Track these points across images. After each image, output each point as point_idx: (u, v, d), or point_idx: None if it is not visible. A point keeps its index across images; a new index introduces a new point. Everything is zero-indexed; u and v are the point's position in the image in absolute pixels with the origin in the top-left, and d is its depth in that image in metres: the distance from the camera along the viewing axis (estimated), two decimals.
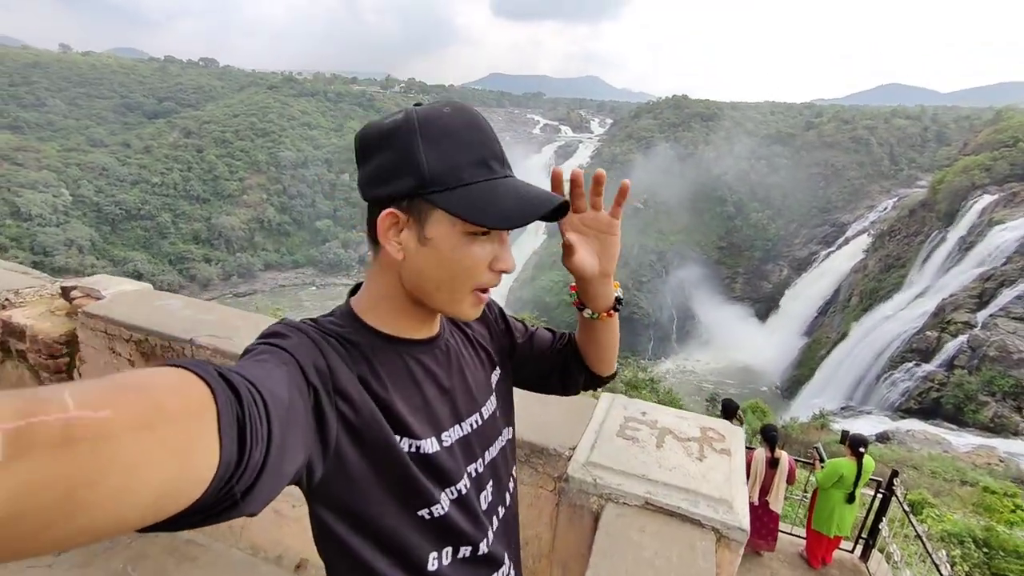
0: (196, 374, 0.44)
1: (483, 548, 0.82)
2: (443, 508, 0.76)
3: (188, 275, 49.09)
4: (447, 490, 0.78)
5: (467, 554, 0.80)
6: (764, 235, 51.23)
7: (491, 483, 0.88)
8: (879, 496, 4.33)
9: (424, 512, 0.75)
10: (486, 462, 0.86)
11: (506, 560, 0.89)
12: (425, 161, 0.68)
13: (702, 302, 48.00)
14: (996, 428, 23.18)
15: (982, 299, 26.83)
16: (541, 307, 41.36)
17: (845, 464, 4.35)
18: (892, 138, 52.67)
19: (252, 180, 60.64)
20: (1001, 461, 20.06)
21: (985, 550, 5.91)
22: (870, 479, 4.39)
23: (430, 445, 0.76)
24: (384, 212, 0.71)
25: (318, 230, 60.04)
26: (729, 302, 49.10)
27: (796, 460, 4.85)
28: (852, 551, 4.49)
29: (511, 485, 0.94)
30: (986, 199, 31.32)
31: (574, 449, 1.49)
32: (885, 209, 44.32)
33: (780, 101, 76.08)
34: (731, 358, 41.58)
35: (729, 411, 4.94)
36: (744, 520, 1.18)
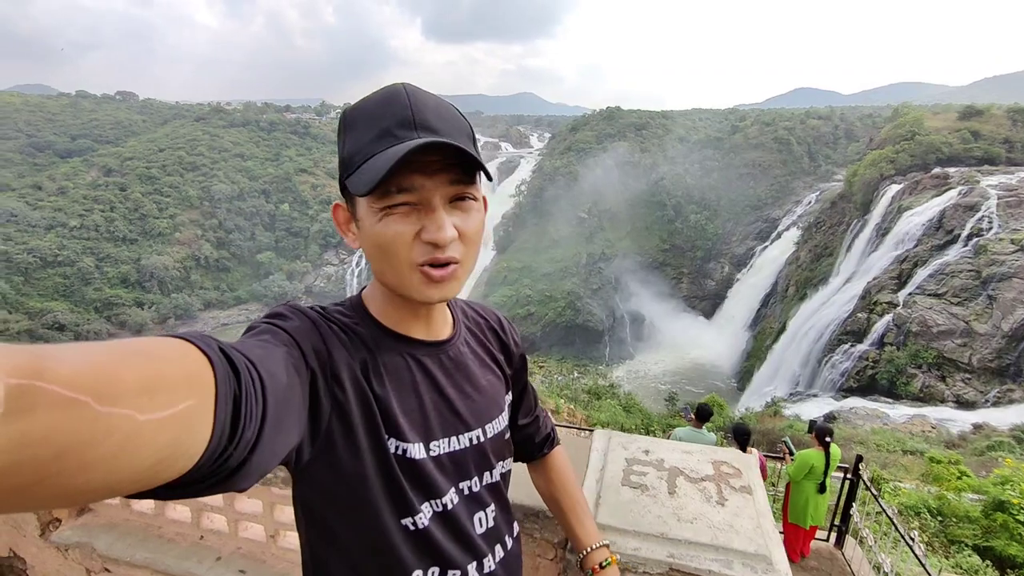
0: (198, 347, 0.44)
1: (472, 572, 0.78)
2: (424, 520, 0.74)
3: (118, 322, 45.59)
4: (430, 502, 0.75)
5: None
6: (704, 235, 53.58)
7: (493, 507, 0.84)
8: (847, 481, 4.43)
9: (407, 521, 0.73)
10: (484, 483, 0.82)
11: None
12: (344, 149, 0.70)
13: (652, 305, 49.46)
14: (925, 397, 25.00)
15: (901, 279, 29.07)
16: None
17: (814, 455, 4.48)
18: (808, 137, 56.68)
19: (184, 216, 57.46)
20: (933, 428, 21.69)
21: (939, 518, 6.28)
22: (838, 466, 4.55)
23: (417, 451, 0.74)
24: (333, 206, 0.76)
25: (260, 263, 57.54)
26: (677, 302, 50.87)
27: (765, 456, 4.99)
28: (827, 539, 4.60)
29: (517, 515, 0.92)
30: (894, 188, 34.16)
31: None
32: (809, 203, 47.45)
33: (706, 108, 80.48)
34: (685, 357, 42.95)
35: (704, 416, 5.05)
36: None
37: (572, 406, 14.87)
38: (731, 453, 1.44)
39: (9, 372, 0.27)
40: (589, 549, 1.00)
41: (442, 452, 0.77)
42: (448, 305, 0.86)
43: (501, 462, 0.87)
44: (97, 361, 0.34)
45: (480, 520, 0.81)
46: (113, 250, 51.58)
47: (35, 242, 48.30)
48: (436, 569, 0.75)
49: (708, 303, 49.70)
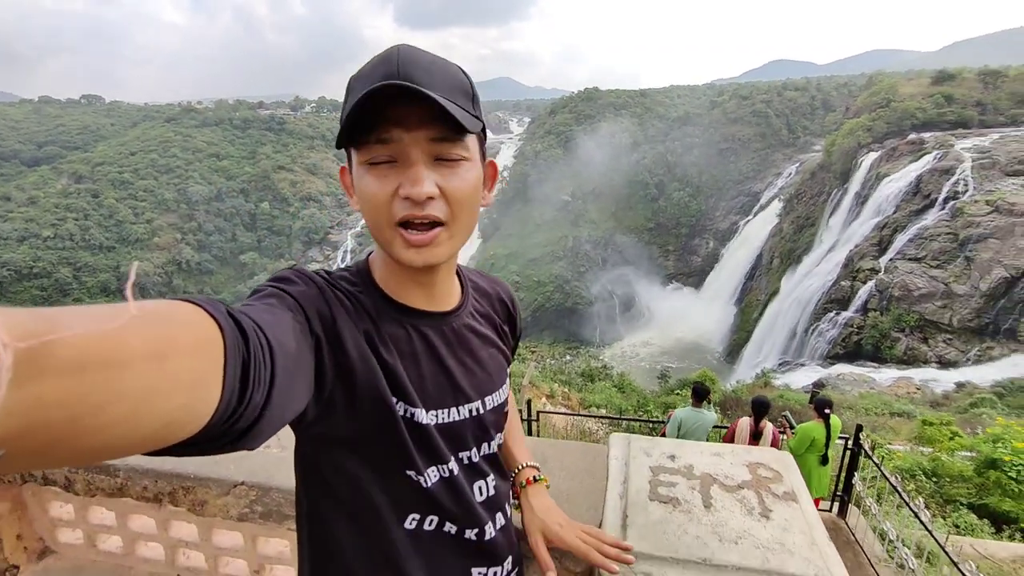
0: (207, 311, 0.44)
1: (471, 534, 0.80)
2: (429, 481, 0.75)
3: None
4: (436, 466, 0.77)
5: (452, 531, 0.79)
6: (687, 212, 53.86)
7: (493, 477, 0.85)
8: (847, 452, 4.49)
9: (411, 474, 0.74)
10: (482, 454, 0.84)
11: (508, 562, 0.87)
12: (343, 112, 0.68)
13: (640, 284, 49.80)
14: (909, 360, 25.61)
15: (881, 245, 29.55)
16: None
17: (814, 428, 4.53)
18: (786, 109, 56.97)
19: (162, 220, 56.31)
20: (918, 389, 22.28)
21: (934, 479, 6.46)
22: (838, 437, 4.59)
23: (423, 415, 0.75)
24: (339, 171, 0.76)
25: (243, 264, 56.73)
26: (665, 280, 51.29)
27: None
28: (830, 510, 4.65)
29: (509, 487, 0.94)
30: (872, 156, 34.56)
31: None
32: (790, 175, 47.86)
33: (684, 84, 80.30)
34: (674, 334, 43.41)
35: (701, 395, 4.99)
36: None
37: (567, 389, 14.99)
38: (766, 453, 1.28)
39: (19, 336, 0.27)
40: (522, 465, 1.02)
41: (443, 421, 0.77)
42: (459, 275, 0.87)
43: (499, 434, 0.88)
44: (107, 325, 0.34)
45: (480, 488, 0.83)
46: (90, 259, 50.48)
47: (8, 255, 47.11)
48: (435, 518, 0.78)
49: (695, 279, 50.15)
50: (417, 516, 0.77)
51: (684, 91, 76.51)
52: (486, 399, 0.83)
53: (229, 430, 0.45)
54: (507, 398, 0.90)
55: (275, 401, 0.49)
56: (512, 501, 0.98)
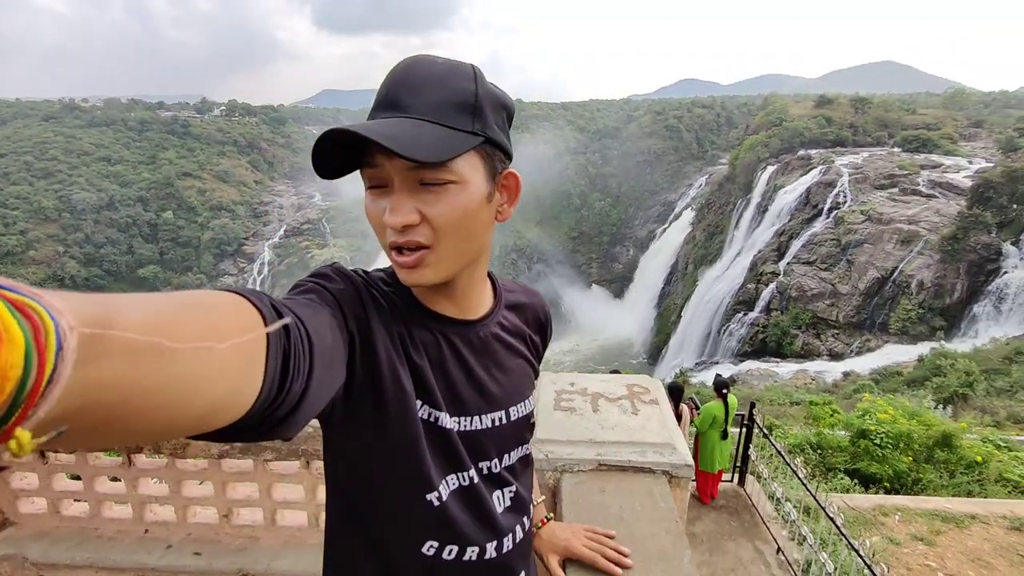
0: (251, 302, 0.46)
1: (490, 552, 0.79)
2: (445, 494, 0.74)
3: None
4: (456, 474, 0.76)
5: (473, 556, 0.77)
6: (608, 221, 56.45)
7: (513, 487, 0.85)
8: (744, 428, 4.99)
9: (430, 496, 0.73)
10: (503, 465, 0.83)
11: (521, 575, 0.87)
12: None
13: (566, 291, 51.36)
14: (805, 354, 28.45)
15: (780, 251, 32.71)
16: None
17: (715, 407, 4.97)
18: (695, 125, 61.60)
19: (39, 231, 50.05)
20: (813, 379, 24.73)
21: (819, 451, 7.29)
22: (736, 415, 5.11)
23: (447, 420, 0.75)
24: None
25: (143, 279, 51.77)
26: (589, 287, 53.23)
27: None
28: (732, 480, 5.14)
29: (533, 498, 0.94)
30: (770, 169, 38.25)
31: None
32: (700, 186, 51.68)
33: (603, 98, 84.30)
34: (600, 338, 45.13)
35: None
36: (688, 457, 1.34)
37: None
38: (641, 378, 1.75)
39: (83, 321, 0.29)
40: (533, 503, 1.05)
41: (464, 428, 0.77)
42: (493, 284, 0.87)
43: (521, 445, 0.88)
44: (162, 312, 0.36)
45: (499, 499, 0.82)
46: None
47: None
48: (454, 548, 0.76)
49: (617, 285, 52.55)
50: (435, 544, 0.75)
51: (603, 105, 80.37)
52: (510, 409, 0.83)
53: (268, 417, 0.47)
54: (532, 409, 0.90)
55: (312, 391, 0.51)
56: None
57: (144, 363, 0.33)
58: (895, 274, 27.18)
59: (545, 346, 0.98)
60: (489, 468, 0.81)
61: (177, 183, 59.76)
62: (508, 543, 0.82)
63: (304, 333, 0.51)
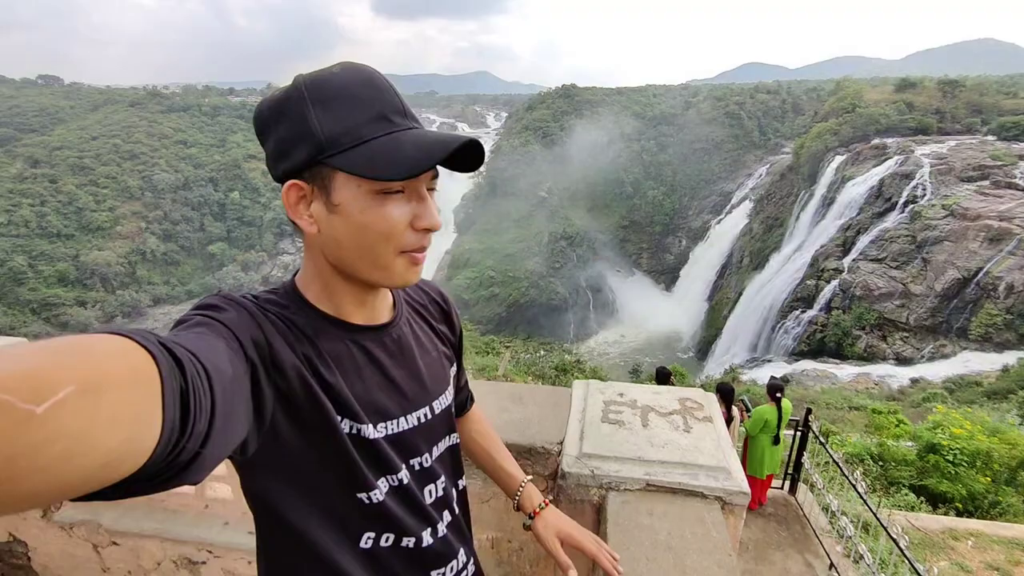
0: (137, 342, 0.42)
1: (427, 539, 0.82)
2: (380, 495, 0.76)
3: (59, 323, 42.93)
4: (386, 477, 0.78)
5: (411, 544, 0.80)
6: (661, 211, 54.76)
7: (443, 479, 0.87)
8: (798, 434, 4.79)
9: (363, 496, 0.75)
10: (434, 457, 0.85)
11: (461, 553, 0.89)
12: (319, 125, 0.66)
13: (614, 281, 50.44)
14: (868, 356, 26.73)
15: (845, 246, 30.68)
16: (460, 305, 41.24)
17: (767, 410, 4.78)
18: (758, 111, 58.37)
19: (125, 208, 54.18)
20: (876, 384, 23.28)
21: (880, 463, 6.86)
22: (789, 420, 4.88)
23: (371, 431, 0.75)
24: (286, 186, 0.69)
25: (212, 255, 55.15)
26: (638, 277, 52.08)
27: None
28: (782, 487, 4.94)
29: (461, 482, 0.95)
30: (838, 159, 35.77)
31: (562, 443, 1.47)
32: (760, 176, 49.12)
33: (660, 84, 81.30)
34: (647, 330, 44.17)
35: (663, 377, 5.24)
36: (743, 483, 1.26)
37: (540, 382, 15.21)
38: (695, 392, 1.63)
39: None
40: (523, 484, 1.05)
41: (395, 431, 0.78)
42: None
43: (449, 435, 0.90)
44: (34, 364, 0.32)
45: (430, 492, 0.85)
46: (47, 247, 48.28)
47: None
48: (391, 536, 0.78)
49: (668, 276, 51.10)
50: (372, 535, 0.77)
51: (660, 90, 77.55)
52: (434, 404, 0.85)
53: (171, 464, 0.44)
54: (453, 398, 0.93)
55: (217, 430, 0.48)
56: (525, 520, 1.04)
57: (20, 419, 0.30)
58: (979, 275, 24.91)
59: (455, 329, 0.99)
60: (420, 464, 0.83)
61: (243, 165, 62.98)
62: (441, 528, 0.85)
63: (201, 368, 0.48)
